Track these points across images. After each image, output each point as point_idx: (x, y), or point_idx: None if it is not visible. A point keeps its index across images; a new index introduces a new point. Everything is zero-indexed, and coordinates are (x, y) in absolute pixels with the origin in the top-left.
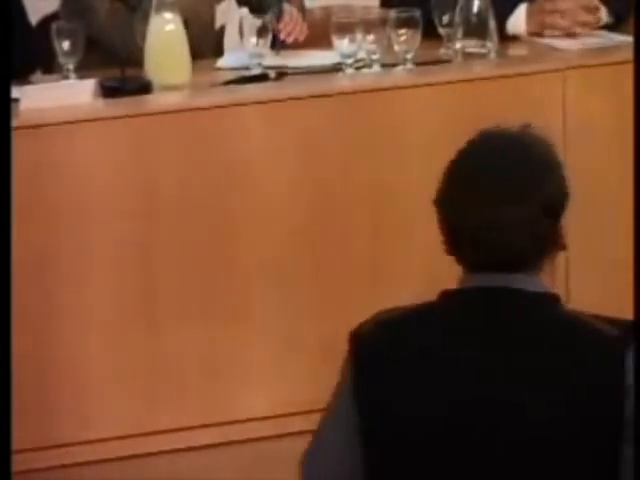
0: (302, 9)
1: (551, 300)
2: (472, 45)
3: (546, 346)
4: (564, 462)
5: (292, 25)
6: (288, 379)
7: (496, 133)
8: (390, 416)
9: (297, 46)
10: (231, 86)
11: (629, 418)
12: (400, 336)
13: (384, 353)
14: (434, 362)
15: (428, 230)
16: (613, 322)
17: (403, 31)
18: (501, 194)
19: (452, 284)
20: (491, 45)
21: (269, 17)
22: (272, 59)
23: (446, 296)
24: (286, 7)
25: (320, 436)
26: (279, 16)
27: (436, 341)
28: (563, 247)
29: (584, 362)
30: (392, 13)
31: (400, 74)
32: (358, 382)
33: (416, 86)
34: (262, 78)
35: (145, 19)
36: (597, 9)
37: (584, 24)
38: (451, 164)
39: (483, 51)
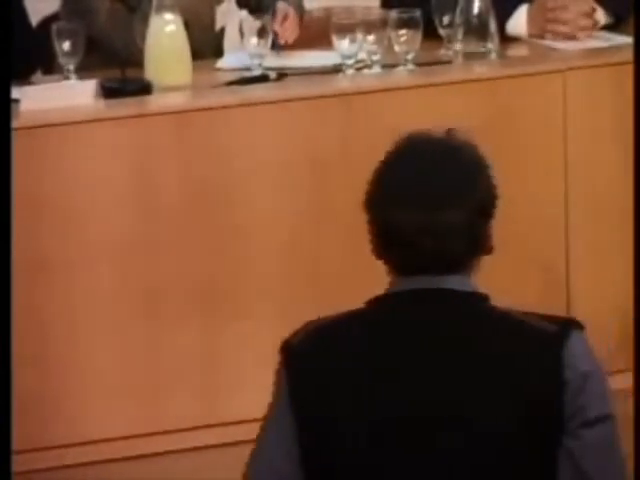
0: (300, 9)
1: (481, 298)
2: (472, 46)
3: (483, 345)
4: (506, 458)
5: (286, 26)
6: None
7: (424, 136)
8: (325, 422)
9: (298, 47)
10: (232, 87)
11: (569, 411)
12: (331, 344)
13: (315, 363)
14: (367, 367)
15: None
16: (548, 319)
17: (404, 32)
18: (435, 198)
19: None
20: (491, 46)
21: (268, 18)
22: (272, 60)
23: (377, 301)
24: (280, 6)
25: (261, 441)
26: (274, 17)
27: (368, 347)
28: (490, 250)
29: (521, 359)
30: (393, 14)
31: (401, 75)
32: (292, 391)
33: (417, 87)
34: (262, 79)
35: (145, 20)
36: (594, 11)
37: (584, 29)
38: (381, 166)
39: (484, 52)
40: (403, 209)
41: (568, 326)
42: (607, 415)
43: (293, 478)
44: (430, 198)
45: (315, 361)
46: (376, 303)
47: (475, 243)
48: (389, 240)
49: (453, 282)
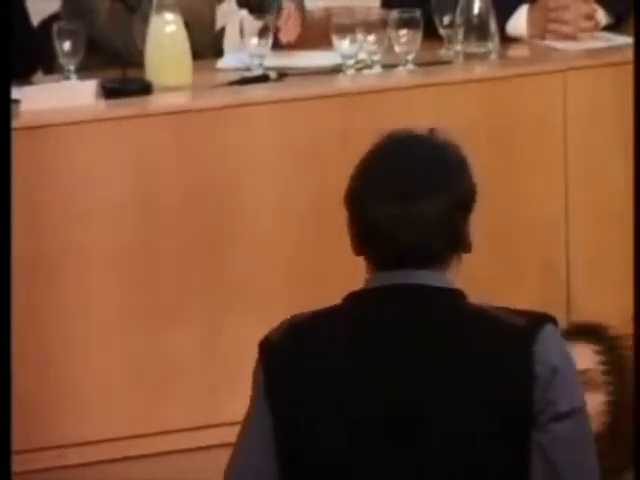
0: (302, 8)
1: (457, 295)
2: (473, 46)
3: (458, 343)
4: (480, 455)
5: (288, 25)
6: None
7: (406, 134)
8: (300, 420)
9: (298, 47)
10: (232, 87)
11: (539, 406)
12: (308, 342)
13: (292, 360)
14: (344, 366)
15: None
16: (521, 313)
17: (404, 32)
18: (414, 191)
19: (460, 282)
20: (492, 46)
21: (270, 17)
22: (273, 59)
23: (354, 297)
24: (285, 4)
25: (240, 439)
26: (277, 13)
27: (345, 345)
28: (469, 247)
29: (495, 356)
30: (393, 14)
31: (401, 75)
32: (268, 387)
33: (417, 87)
34: (263, 79)
35: (144, 20)
36: (595, 12)
37: (585, 30)
38: (362, 162)
39: (484, 52)
40: (382, 202)
41: (540, 321)
42: (577, 409)
43: (272, 476)
44: (408, 191)
45: (291, 358)
46: (353, 300)
47: (453, 238)
48: (368, 233)
49: (430, 277)
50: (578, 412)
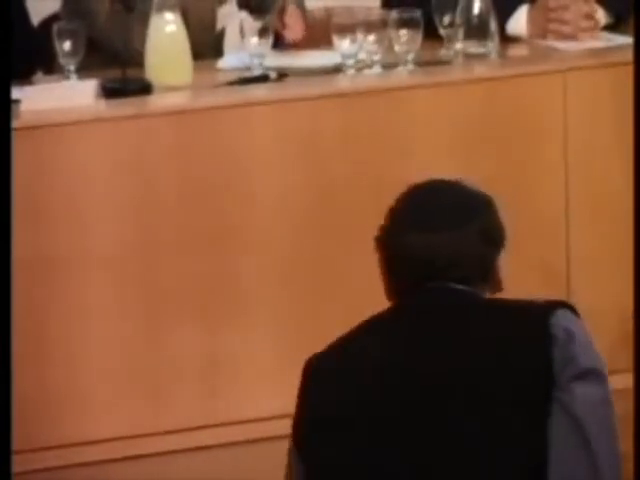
0: (302, 8)
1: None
2: (473, 46)
3: (475, 329)
4: (506, 424)
5: (291, 24)
6: (292, 379)
7: (431, 180)
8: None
9: (299, 47)
10: (232, 87)
11: (558, 364)
12: (351, 358)
13: (337, 377)
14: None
15: None
16: (544, 301)
17: (404, 31)
18: (443, 222)
19: None
20: (492, 46)
21: (270, 17)
22: (273, 59)
23: (393, 309)
24: (289, 1)
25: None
26: (282, 11)
27: (385, 353)
28: (499, 285)
29: (517, 329)
30: (393, 14)
31: (401, 75)
32: (311, 408)
33: (417, 87)
34: (263, 79)
35: (143, 21)
36: (595, 12)
37: (585, 30)
38: (391, 208)
39: (484, 52)
40: (410, 232)
41: (559, 304)
42: (597, 371)
43: None
44: (435, 223)
45: (336, 375)
46: (392, 310)
47: (482, 270)
48: (398, 266)
49: (453, 284)
50: (599, 374)
